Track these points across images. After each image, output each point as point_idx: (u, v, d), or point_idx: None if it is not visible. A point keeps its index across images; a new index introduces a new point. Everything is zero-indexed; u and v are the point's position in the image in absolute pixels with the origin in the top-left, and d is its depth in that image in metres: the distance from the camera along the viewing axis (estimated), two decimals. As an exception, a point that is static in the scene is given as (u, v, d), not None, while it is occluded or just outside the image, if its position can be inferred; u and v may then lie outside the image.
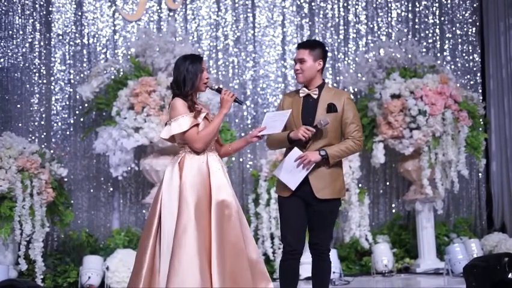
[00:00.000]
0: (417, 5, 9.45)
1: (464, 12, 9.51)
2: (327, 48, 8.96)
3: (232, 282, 4.48)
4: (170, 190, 4.64)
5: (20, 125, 8.57)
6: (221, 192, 4.62)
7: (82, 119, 8.65)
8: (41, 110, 8.65)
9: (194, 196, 4.58)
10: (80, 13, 8.80)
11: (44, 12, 8.74)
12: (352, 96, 8.92)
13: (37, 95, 8.66)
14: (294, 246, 4.73)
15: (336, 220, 7.83)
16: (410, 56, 8.52)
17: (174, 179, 4.65)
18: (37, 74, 8.69)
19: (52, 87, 8.69)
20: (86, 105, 8.42)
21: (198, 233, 4.50)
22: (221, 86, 4.84)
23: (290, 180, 4.70)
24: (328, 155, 4.68)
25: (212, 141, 4.77)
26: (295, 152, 4.71)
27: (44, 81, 8.69)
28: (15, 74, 8.66)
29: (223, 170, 4.75)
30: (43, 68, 8.70)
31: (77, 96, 8.53)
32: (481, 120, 8.49)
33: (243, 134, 8.89)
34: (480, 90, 9.40)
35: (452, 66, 9.37)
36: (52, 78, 8.69)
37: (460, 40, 9.49)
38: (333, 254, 7.62)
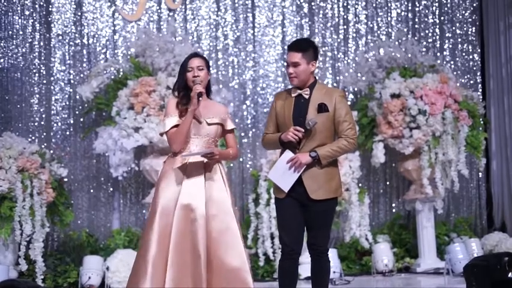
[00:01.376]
0: (417, 5, 9.44)
1: (464, 12, 9.51)
2: (327, 47, 9.16)
3: (191, 284, 4.46)
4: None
5: (20, 125, 8.57)
6: (189, 195, 4.60)
7: (81, 119, 8.65)
8: (41, 110, 8.65)
9: (162, 197, 4.62)
10: (79, 13, 8.80)
11: (44, 13, 8.75)
12: (352, 96, 8.97)
13: (37, 95, 8.67)
14: (291, 246, 4.71)
15: (337, 220, 7.93)
16: (410, 55, 8.52)
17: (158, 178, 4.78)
18: (37, 74, 8.69)
19: (52, 87, 8.69)
20: (86, 105, 8.43)
21: (158, 234, 4.54)
22: (196, 83, 4.73)
23: (283, 182, 4.69)
24: (319, 156, 4.64)
25: (203, 143, 4.73)
26: (287, 154, 4.69)
27: (44, 81, 8.69)
28: (15, 74, 8.66)
29: (213, 172, 4.70)
30: (43, 68, 8.70)
31: (77, 97, 8.53)
32: (481, 119, 8.49)
33: (243, 134, 8.90)
34: (480, 90, 9.40)
35: (452, 66, 9.37)
36: (52, 78, 8.70)
37: (459, 39, 9.49)
38: (333, 254, 7.66)
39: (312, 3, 9.25)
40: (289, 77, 4.77)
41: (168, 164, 4.76)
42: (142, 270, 4.51)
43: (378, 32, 9.35)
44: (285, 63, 4.85)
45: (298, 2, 9.23)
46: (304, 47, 4.76)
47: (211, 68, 8.85)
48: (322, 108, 4.69)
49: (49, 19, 8.75)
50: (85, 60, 8.78)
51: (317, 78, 4.88)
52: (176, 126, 4.71)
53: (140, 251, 4.66)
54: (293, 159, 4.65)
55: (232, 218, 4.67)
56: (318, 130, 4.67)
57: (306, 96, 4.75)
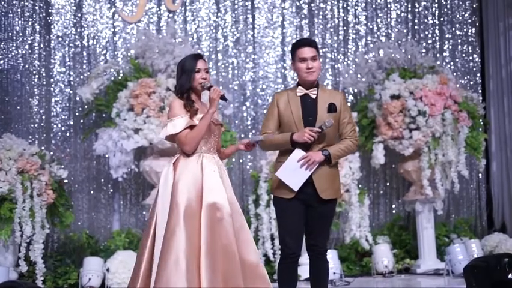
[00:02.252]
0: (417, 6, 9.45)
1: (463, 13, 9.52)
2: (326, 49, 9.17)
3: (222, 283, 4.45)
4: (165, 191, 4.65)
5: (20, 126, 8.57)
6: (213, 194, 4.59)
7: (81, 121, 8.65)
8: (41, 111, 8.66)
9: (184, 197, 4.56)
10: (79, 15, 8.80)
11: (44, 14, 8.75)
12: (352, 97, 8.98)
13: (37, 97, 8.67)
14: (293, 249, 4.72)
15: (337, 221, 7.93)
16: (409, 56, 8.53)
17: (169, 180, 4.67)
18: (37, 76, 8.70)
19: (52, 89, 8.69)
20: (86, 106, 8.42)
21: (186, 235, 4.48)
22: (211, 85, 4.74)
23: (293, 181, 4.66)
24: (330, 155, 4.68)
25: (211, 142, 4.76)
26: (298, 152, 4.67)
27: (44, 83, 8.69)
28: (15, 76, 8.66)
29: (222, 171, 4.73)
30: (43, 69, 8.71)
31: (77, 98, 8.53)
32: (480, 120, 8.49)
33: (243, 136, 8.90)
34: (480, 91, 9.40)
35: (452, 67, 9.37)
36: (52, 80, 8.70)
37: (459, 41, 9.50)
38: (333, 255, 7.68)
39: (312, 5, 9.26)
40: (309, 72, 4.72)
41: (181, 165, 4.70)
42: (175, 272, 4.41)
43: (378, 33, 9.36)
44: (299, 59, 4.73)
45: (298, 3, 9.24)
46: (316, 44, 4.84)
47: (210, 70, 8.94)
48: (332, 108, 4.73)
49: (49, 21, 8.76)
50: (84, 61, 8.78)
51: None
52: (188, 127, 4.68)
53: (166, 255, 4.47)
54: (306, 157, 4.64)
55: (243, 217, 4.73)
56: (327, 130, 4.70)
57: (314, 96, 4.76)
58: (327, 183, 4.71)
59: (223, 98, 4.70)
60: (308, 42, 4.84)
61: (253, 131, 8.98)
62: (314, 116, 4.71)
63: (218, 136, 4.84)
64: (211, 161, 4.70)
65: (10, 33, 8.69)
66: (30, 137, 8.51)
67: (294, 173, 4.65)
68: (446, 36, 9.49)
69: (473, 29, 9.54)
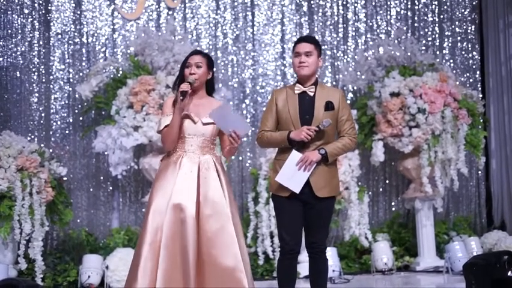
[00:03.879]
0: (417, 3, 9.45)
1: (463, 10, 9.51)
2: (326, 46, 9.17)
3: (182, 283, 4.48)
4: None
5: (19, 124, 8.56)
6: (180, 195, 4.59)
7: (81, 118, 8.65)
8: (40, 109, 8.65)
9: (155, 197, 4.64)
10: (79, 12, 8.80)
11: (43, 11, 8.74)
12: (351, 95, 8.98)
13: (36, 94, 8.66)
14: (292, 246, 4.72)
15: (336, 218, 7.93)
16: (409, 54, 8.52)
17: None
18: (36, 73, 8.69)
19: (51, 86, 8.69)
20: (85, 104, 8.42)
21: (149, 235, 4.55)
22: (187, 81, 4.72)
23: (293, 184, 4.66)
24: (327, 154, 4.68)
25: (200, 142, 4.73)
26: (295, 154, 4.67)
27: (43, 80, 8.69)
28: (15, 73, 8.65)
29: (209, 171, 4.69)
30: (42, 67, 8.70)
31: (76, 95, 8.53)
32: (480, 118, 8.48)
33: (242, 133, 8.89)
34: (479, 88, 9.41)
35: (452, 64, 9.37)
36: (51, 77, 8.69)
37: (459, 38, 9.49)
38: (333, 252, 7.68)
39: (312, 2, 9.25)
40: (300, 66, 4.73)
41: (163, 163, 4.77)
42: (135, 271, 4.54)
43: (378, 30, 9.35)
44: (294, 54, 4.76)
45: (298, 1, 9.23)
46: (316, 41, 4.85)
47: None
48: (329, 106, 4.72)
49: (48, 18, 8.75)
50: (84, 59, 8.77)
51: (317, 77, 4.89)
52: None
53: (135, 251, 4.69)
54: (303, 159, 4.64)
55: (228, 218, 4.64)
56: (325, 128, 4.69)
57: (311, 94, 4.76)
58: (324, 182, 4.70)
59: (182, 93, 4.67)
60: (305, 38, 4.87)
61: (253, 129, 8.97)
62: (311, 114, 4.71)
63: (210, 136, 4.77)
64: (193, 161, 4.68)
65: (9, 31, 8.67)
66: (30, 134, 8.51)
67: (293, 175, 4.66)
68: (446, 33, 9.49)
69: (473, 27, 9.53)
